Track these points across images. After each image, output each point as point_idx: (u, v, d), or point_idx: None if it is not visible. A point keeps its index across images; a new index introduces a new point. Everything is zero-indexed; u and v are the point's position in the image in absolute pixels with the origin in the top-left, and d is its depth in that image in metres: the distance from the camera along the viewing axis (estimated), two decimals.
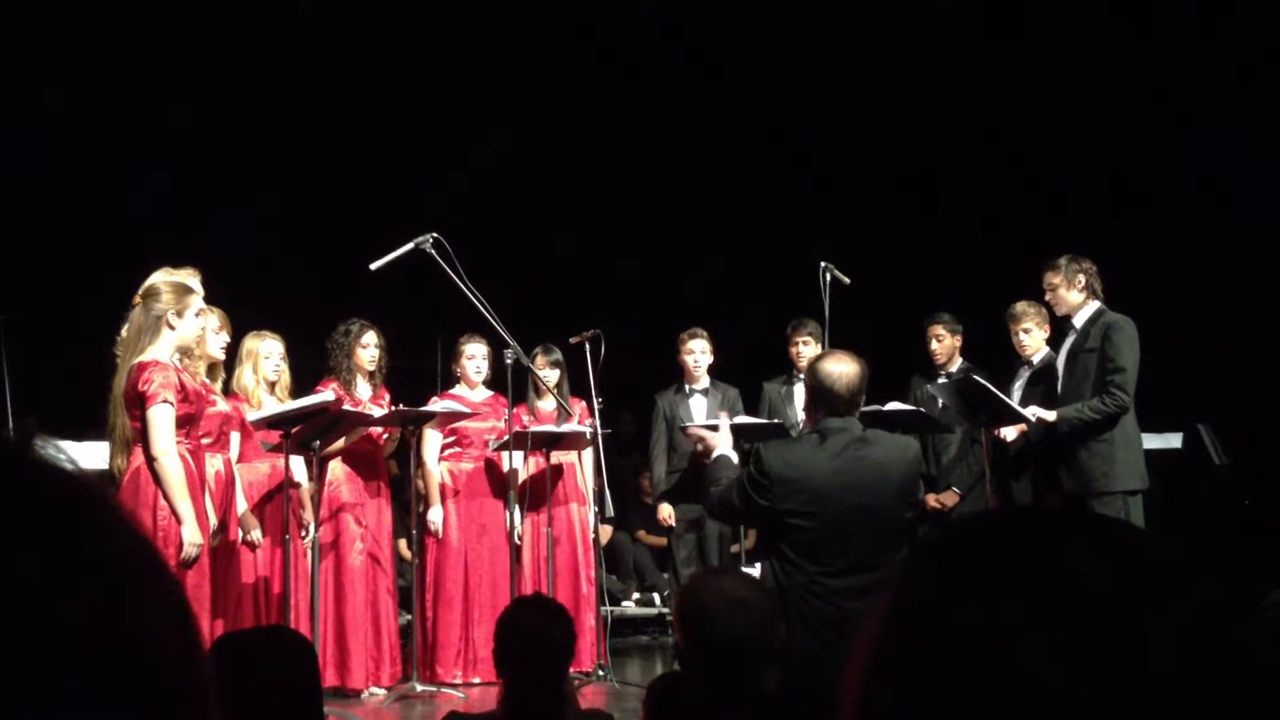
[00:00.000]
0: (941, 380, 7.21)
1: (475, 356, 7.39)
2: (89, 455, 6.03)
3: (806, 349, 7.61)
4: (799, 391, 7.73)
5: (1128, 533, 0.76)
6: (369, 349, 7.04)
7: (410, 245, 6.40)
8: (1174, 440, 7.66)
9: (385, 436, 7.14)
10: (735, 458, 4.56)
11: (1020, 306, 6.87)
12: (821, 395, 4.21)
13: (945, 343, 7.48)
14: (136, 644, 0.57)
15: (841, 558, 4.05)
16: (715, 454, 4.51)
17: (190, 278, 5.54)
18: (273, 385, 6.63)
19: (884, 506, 4.12)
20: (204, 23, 8.86)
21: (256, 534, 6.30)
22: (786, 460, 4.14)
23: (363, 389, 7.05)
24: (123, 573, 0.59)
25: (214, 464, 5.73)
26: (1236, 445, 7.60)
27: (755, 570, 4.56)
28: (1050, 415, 6.36)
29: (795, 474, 4.11)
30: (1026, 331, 6.85)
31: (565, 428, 7.20)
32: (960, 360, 7.50)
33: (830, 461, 4.12)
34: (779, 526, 4.13)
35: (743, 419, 7.40)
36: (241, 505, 6.21)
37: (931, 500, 7.24)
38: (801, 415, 7.59)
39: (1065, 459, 6.35)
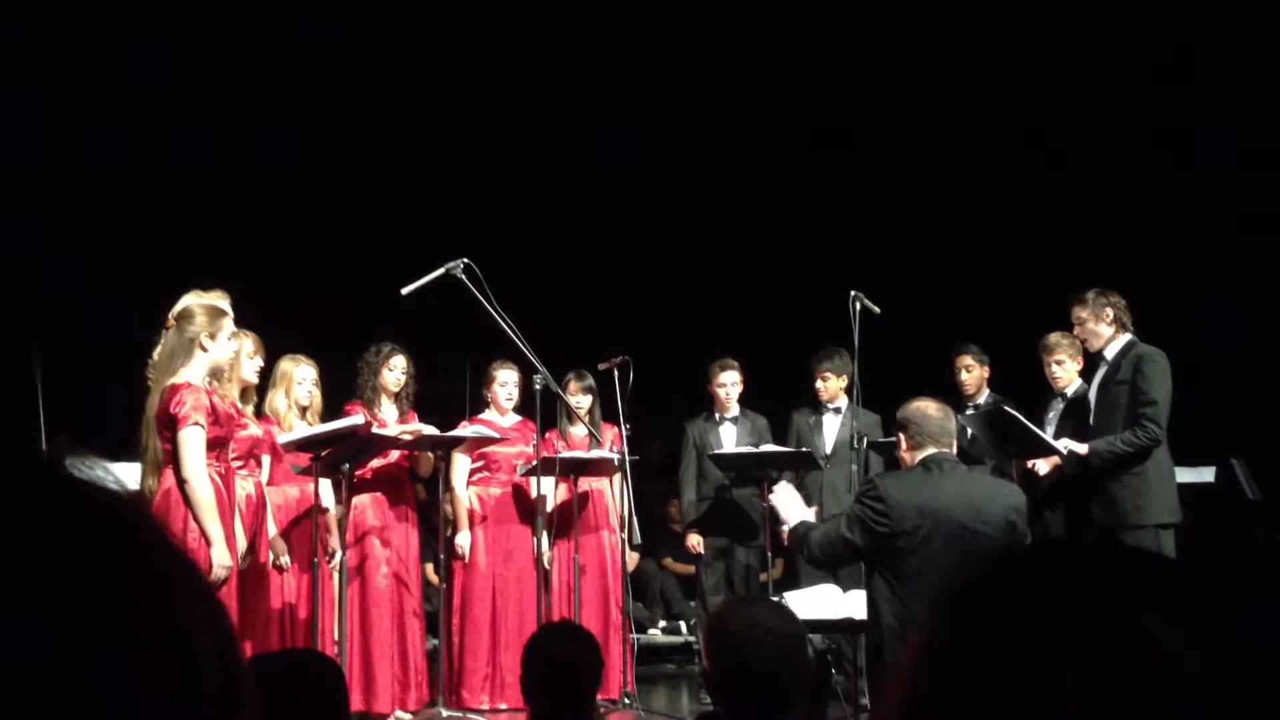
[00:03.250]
0: (970, 411, 7.17)
1: (507, 383, 7.41)
2: (121, 476, 6.04)
3: (825, 384, 7.63)
4: (827, 422, 7.74)
5: (1179, 573, 0.74)
6: (395, 371, 7.07)
7: (441, 271, 6.42)
8: (1207, 474, 7.59)
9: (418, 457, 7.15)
10: (810, 517, 4.84)
11: (1054, 338, 6.81)
12: (912, 429, 4.50)
13: (974, 373, 7.45)
14: (181, 656, 0.58)
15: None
16: (790, 524, 4.75)
17: (220, 300, 5.56)
18: (304, 410, 6.65)
19: (996, 535, 4.26)
20: (238, 49, 8.94)
21: (285, 559, 6.31)
22: (900, 486, 4.39)
23: (389, 411, 7.07)
24: (166, 587, 0.59)
25: (245, 486, 5.74)
26: (1270, 479, 7.52)
27: (786, 599, 4.62)
28: (1082, 448, 6.31)
29: (912, 496, 4.31)
30: (1059, 363, 6.80)
31: (593, 453, 7.20)
32: (988, 391, 7.47)
33: (945, 483, 4.34)
34: (896, 553, 4.27)
35: (771, 448, 7.40)
36: (271, 529, 6.23)
37: None
38: (829, 446, 7.61)
39: (1097, 492, 6.30)
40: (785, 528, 4.79)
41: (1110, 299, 6.45)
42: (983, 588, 0.74)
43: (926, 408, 4.54)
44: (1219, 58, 8.90)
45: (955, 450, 4.52)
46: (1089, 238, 9.20)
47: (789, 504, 4.82)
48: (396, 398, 7.11)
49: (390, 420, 7.04)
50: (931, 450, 4.45)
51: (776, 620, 2.86)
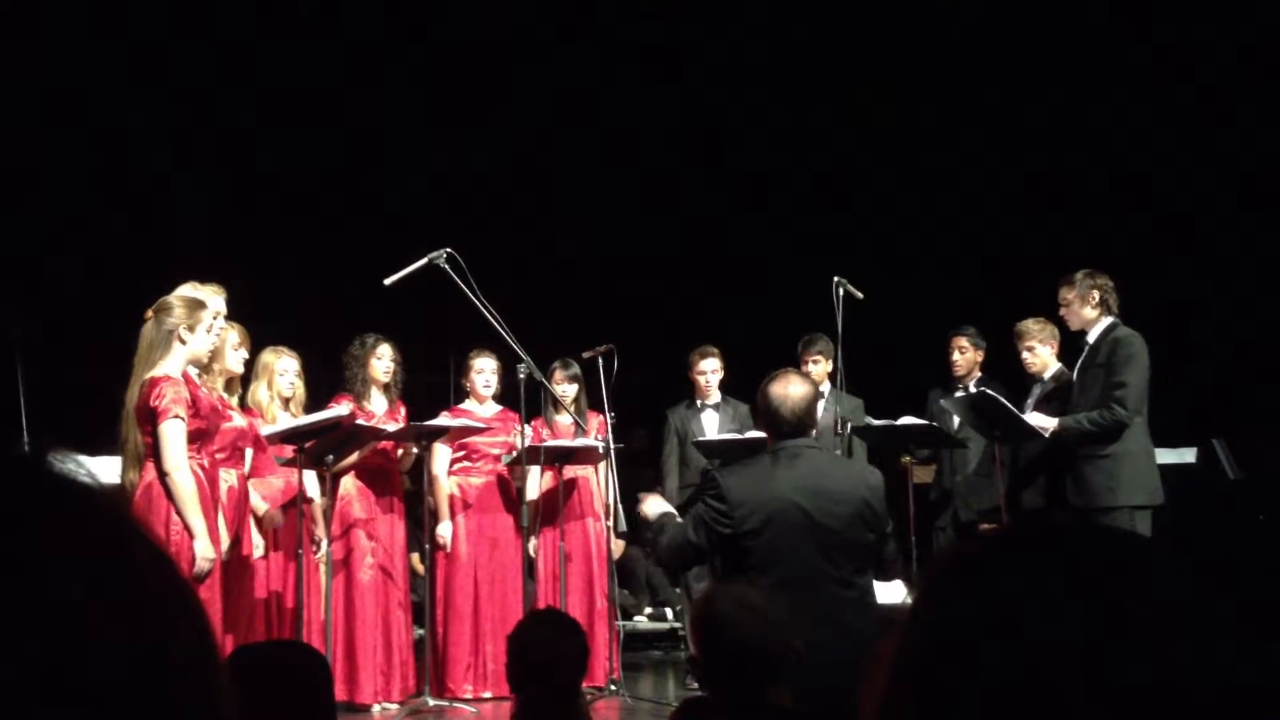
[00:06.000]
0: (957, 395, 7.19)
1: (484, 371, 7.39)
2: (102, 470, 6.02)
3: (816, 368, 7.60)
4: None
5: (1145, 545, 0.76)
6: (384, 361, 7.05)
7: (424, 260, 6.41)
8: (1188, 455, 7.62)
9: (401, 452, 7.14)
10: (675, 513, 4.55)
11: (1022, 325, 6.85)
12: (768, 418, 4.24)
13: (967, 355, 7.45)
14: (155, 654, 0.57)
15: (806, 575, 4.00)
16: (653, 516, 4.46)
17: (215, 295, 5.54)
18: (287, 401, 6.64)
19: (843, 525, 4.09)
20: (220, 42, 8.89)
21: (279, 516, 6.22)
22: (743, 482, 4.12)
23: (378, 403, 7.06)
24: (140, 583, 0.59)
25: (227, 479, 5.72)
26: (1252, 459, 7.56)
27: None
28: (1051, 423, 6.30)
29: (755, 494, 4.07)
30: (1030, 350, 6.83)
31: (577, 442, 7.19)
32: (979, 375, 7.48)
33: (788, 477, 4.10)
34: (744, 552, 4.05)
35: (754, 434, 7.40)
36: (262, 507, 6.15)
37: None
38: (814, 431, 7.62)
39: (1072, 474, 6.29)
40: (644, 509, 4.51)
41: (1098, 281, 6.43)
42: (956, 572, 0.75)
43: (774, 389, 4.21)
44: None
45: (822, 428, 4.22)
46: (1077, 222, 9.21)
47: (650, 504, 4.54)
48: (385, 388, 7.10)
49: (378, 412, 7.02)
50: (776, 438, 4.20)
51: (762, 601, 2.89)
